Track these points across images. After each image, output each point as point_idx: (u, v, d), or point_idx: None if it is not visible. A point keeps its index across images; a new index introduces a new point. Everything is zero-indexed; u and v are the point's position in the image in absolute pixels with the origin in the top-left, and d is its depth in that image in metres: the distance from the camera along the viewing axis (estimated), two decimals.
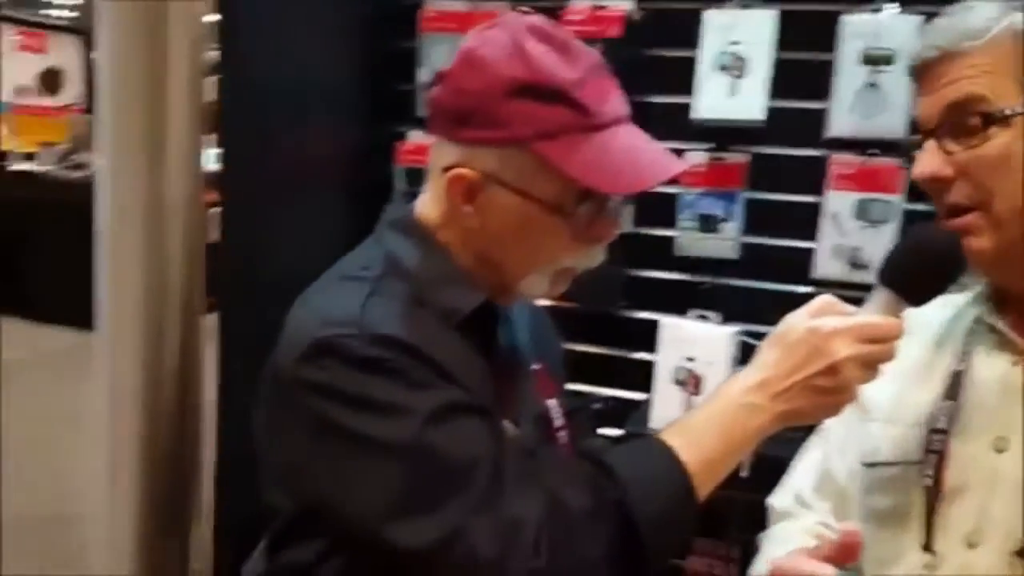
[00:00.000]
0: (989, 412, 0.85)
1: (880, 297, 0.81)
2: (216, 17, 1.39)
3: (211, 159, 1.53)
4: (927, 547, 0.84)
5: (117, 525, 0.82)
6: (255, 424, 0.91)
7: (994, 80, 0.79)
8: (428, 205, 0.92)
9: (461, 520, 0.76)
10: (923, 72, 0.84)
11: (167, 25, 0.85)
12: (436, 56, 1.79)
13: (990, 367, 0.87)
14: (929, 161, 0.83)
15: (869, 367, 0.80)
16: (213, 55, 1.45)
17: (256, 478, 0.92)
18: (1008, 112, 0.79)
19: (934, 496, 0.85)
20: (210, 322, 1.49)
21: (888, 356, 0.80)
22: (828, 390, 0.79)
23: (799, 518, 1.01)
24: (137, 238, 0.86)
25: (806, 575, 0.77)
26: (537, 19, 0.87)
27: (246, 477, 1.04)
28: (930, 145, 0.83)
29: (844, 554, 0.77)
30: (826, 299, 0.83)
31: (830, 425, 0.99)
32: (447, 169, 0.86)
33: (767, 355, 0.82)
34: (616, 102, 0.87)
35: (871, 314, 0.81)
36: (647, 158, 0.86)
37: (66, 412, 3.20)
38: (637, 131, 0.88)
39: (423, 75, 1.82)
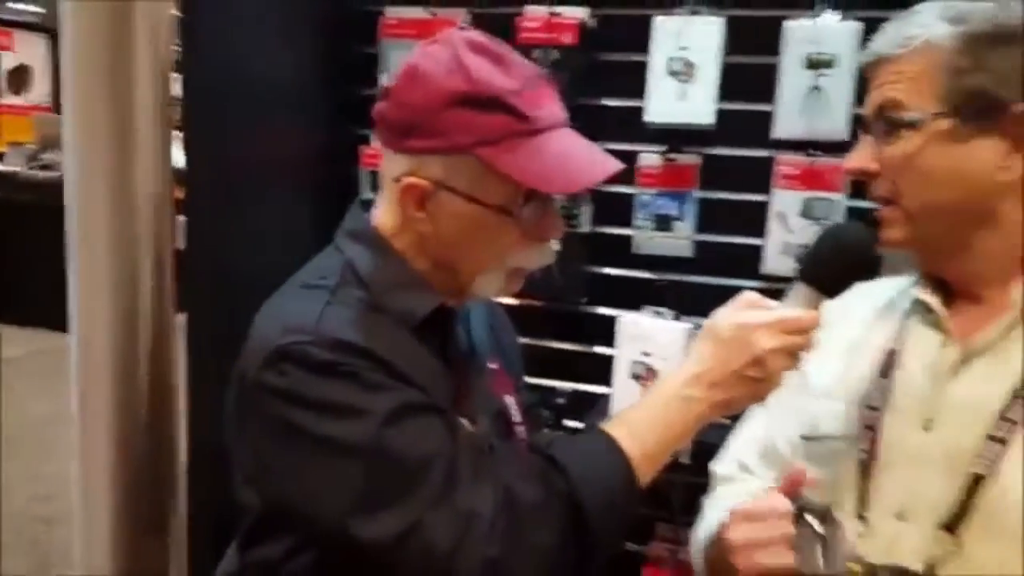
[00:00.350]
0: (918, 391, 0.89)
1: (799, 292, 0.87)
2: (178, 17, 1.42)
3: (178, 157, 1.56)
4: (861, 517, 0.88)
5: (94, 524, 0.85)
6: (226, 426, 0.95)
7: (912, 86, 0.84)
8: (383, 213, 0.96)
9: (419, 514, 0.81)
10: (866, 73, 0.90)
11: (132, 22, 0.86)
12: (396, 62, 1.83)
13: (922, 347, 0.91)
14: (858, 155, 0.89)
15: (791, 356, 0.85)
16: (177, 55, 1.48)
17: (225, 478, 0.95)
18: (916, 118, 0.83)
19: (867, 470, 0.89)
20: (179, 321, 1.52)
21: (807, 346, 0.86)
22: (756, 379, 0.85)
23: (743, 483, 1.06)
24: (106, 236, 0.88)
25: (765, 509, 0.84)
26: (476, 34, 0.92)
27: (217, 477, 1.07)
28: (864, 140, 0.89)
29: (789, 488, 0.84)
30: (750, 295, 0.88)
31: (774, 395, 1.05)
32: (398, 179, 0.90)
33: (700, 350, 0.87)
34: (553, 108, 0.91)
35: (791, 308, 0.87)
36: (584, 159, 0.91)
37: (46, 414, 3.21)
38: (574, 134, 0.93)
39: (384, 79, 1.86)
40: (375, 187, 1.89)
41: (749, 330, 0.84)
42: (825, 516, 0.83)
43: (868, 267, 0.90)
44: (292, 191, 1.76)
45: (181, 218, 1.46)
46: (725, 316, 0.87)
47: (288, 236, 1.70)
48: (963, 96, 0.82)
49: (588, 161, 0.91)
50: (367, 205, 1.00)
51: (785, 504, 0.84)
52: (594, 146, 0.93)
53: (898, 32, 0.86)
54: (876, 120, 0.87)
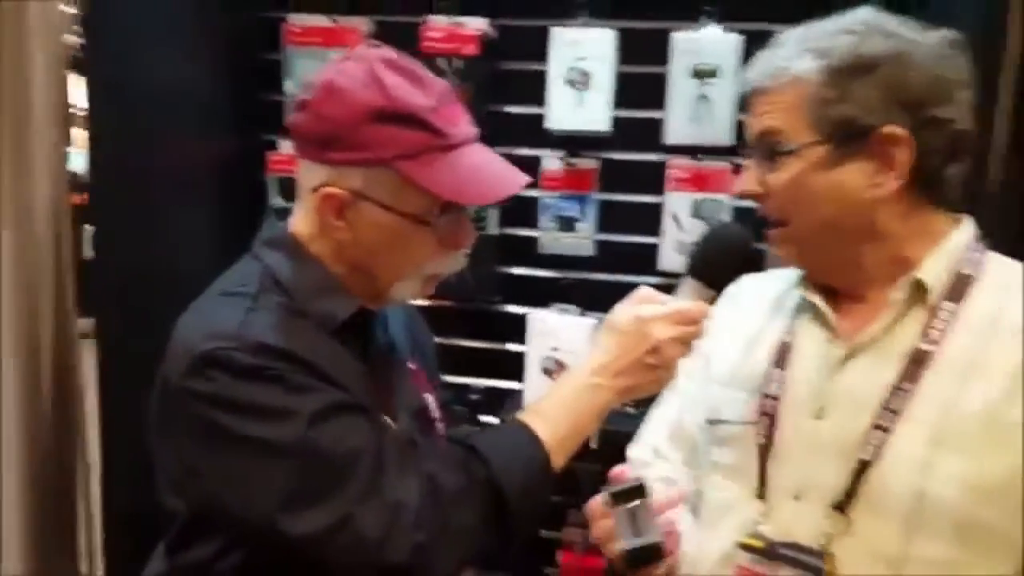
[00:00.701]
0: (810, 383, 0.94)
1: (688, 286, 0.96)
2: (82, 24, 1.40)
3: (81, 164, 1.53)
4: (760, 496, 0.94)
5: (3, 526, 0.85)
6: (149, 433, 0.95)
7: (787, 116, 0.89)
8: (300, 221, 0.99)
9: (347, 507, 0.84)
10: (747, 100, 0.95)
11: (25, 25, 0.86)
12: (301, 68, 1.85)
13: (811, 342, 0.96)
14: (744, 179, 0.95)
15: (685, 344, 0.94)
16: (80, 62, 1.46)
17: (142, 482, 0.96)
18: (794, 147, 0.89)
19: (765, 454, 0.94)
20: (86, 326, 1.49)
21: (698, 335, 0.95)
22: (655, 366, 0.93)
23: (653, 467, 1.11)
24: (6, 242, 0.87)
25: (588, 512, 0.93)
26: (389, 51, 0.97)
27: (134, 479, 1.07)
28: (748, 164, 0.95)
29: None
30: (646, 291, 0.97)
31: (683, 382, 1.11)
32: (316, 188, 0.94)
33: (603, 342, 0.95)
34: (465, 124, 0.96)
35: (682, 301, 0.95)
36: (497, 173, 0.97)
37: None
38: (486, 149, 0.98)
39: (290, 86, 1.86)
40: (283, 193, 1.90)
41: (646, 322, 0.93)
42: (631, 493, 0.91)
43: (748, 262, 1.00)
44: (199, 197, 1.75)
45: (89, 227, 1.45)
46: (624, 310, 0.95)
47: (196, 241, 1.70)
48: (832, 124, 0.87)
49: (500, 175, 0.97)
50: (283, 214, 1.03)
51: (596, 503, 0.93)
52: (504, 160, 0.99)
53: (768, 64, 0.91)
54: (758, 146, 0.93)
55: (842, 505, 0.87)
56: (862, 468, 0.86)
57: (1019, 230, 1.24)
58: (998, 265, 0.92)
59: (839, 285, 0.96)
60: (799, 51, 0.89)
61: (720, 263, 0.97)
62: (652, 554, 0.89)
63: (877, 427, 0.86)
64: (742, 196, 0.96)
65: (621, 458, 1.19)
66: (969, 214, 0.95)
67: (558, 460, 0.93)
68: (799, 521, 0.90)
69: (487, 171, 0.96)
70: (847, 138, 0.87)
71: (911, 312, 0.90)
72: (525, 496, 0.90)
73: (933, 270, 0.89)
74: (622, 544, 0.89)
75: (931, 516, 0.83)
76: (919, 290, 0.89)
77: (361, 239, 0.95)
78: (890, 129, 0.85)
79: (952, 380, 0.86)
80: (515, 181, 0.97)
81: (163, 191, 1.62)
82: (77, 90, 1.61)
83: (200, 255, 1.68)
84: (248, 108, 1.89)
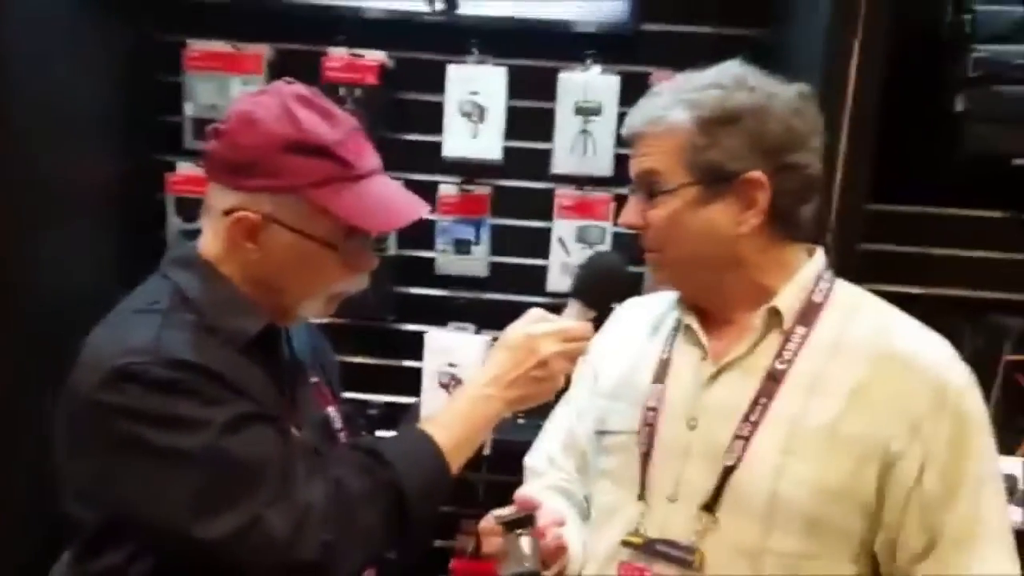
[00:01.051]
0: (684, 396, 1.02)
1: (573, 307, 1.07)
2: None
3: None
4: (641, 499, 1.02)
5: None
6: (55, 445, 0.97)
7: (666, 158, 0.98)
8: (210, 242, 1.04)
9: (257, 510, 0.90)
10: (629, 142, 1.03)
11: None
12: (202, 92, 1.88)
13: (686, 360, 1.05)
14: (628, 213, 1.03)
15: (570, 359, 1.05)
16: None
17: (39, 492, 0.96)
18: (671, 186, 0.97)
19: (645, 460, 1.02)
20: None
21: (582, 351, 1.06)
22: (542, 379, 1.03)
23: (546, 476, 1.20)
24: None
25: (481, 529, 1.01)
26: (301, 88, 1.03)
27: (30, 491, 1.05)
28: (631, 199, 1.03)
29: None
30: (536, 311, 1.07)
31: (574, 395, 1.21)
32: (228, 212, 0.99)
33: (496, 356, 1.05)
34: (371, 157, 1.04)
35: (567, 320, 1.06)
36: (400, 202, 1.06)
37: None
38: (389, 180, 1.07)
39: (189, 110, 1.89)
40: (180, 212, 1.92)
41: (535, 339, 1.03)
42: (520, 523, 1.00)
43: (624, 286, 1.13)
44: (96, 216, 1.75)
45: None
46: (516, 328, 1.05)
47: (94, 260, 1.70)
48: (702, 168, 0.96)
49: (403, 204, 1.05)
50: (192, 235, 1.07)
51: (488, 523, 1.03)
52: (406, 190, 1.08)
53: (647, 112, 1.00)
54: (639, 185, 1.01)
55: (709, 505, 0.96)
56: (727, 473, 0.96)
57: (854, 254, 1.42)
58: (843, 292, 1.03)
59: (708, 307, 1.05)
60: (674, 102, 0.98)
61: (599, 287, 1.08)
62: None
63: (739, 436, 0.96)
64: (626, 227, 1.04)
65: (513, 467, 1.29)
66: (815, 243, 1.07)
67: (454, 464, 1.01)
68: (674, 520, 0.99)
69: (390, 200, 1.04)
70: (715, 180, 0.96)
71: (769, 335, 0.99)
72: (425, 497, 0.98)
73: (787, 299, 0.99)
74: (506, 569, 0.99)
75: (784, 514, 0.93)
76: (775, 316, 0.99)
77: (271, 260, 1.00)
78: (752, 174, 0.95)
79: (801, 396, 0.95)
80: (415, 210, 1.06)
81: (58, 210, 1.61)
82: None
83: (99, 273, 1.68)
84: (148, 129, 1.90)
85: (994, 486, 0.93)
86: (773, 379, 0.97)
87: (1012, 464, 1.54)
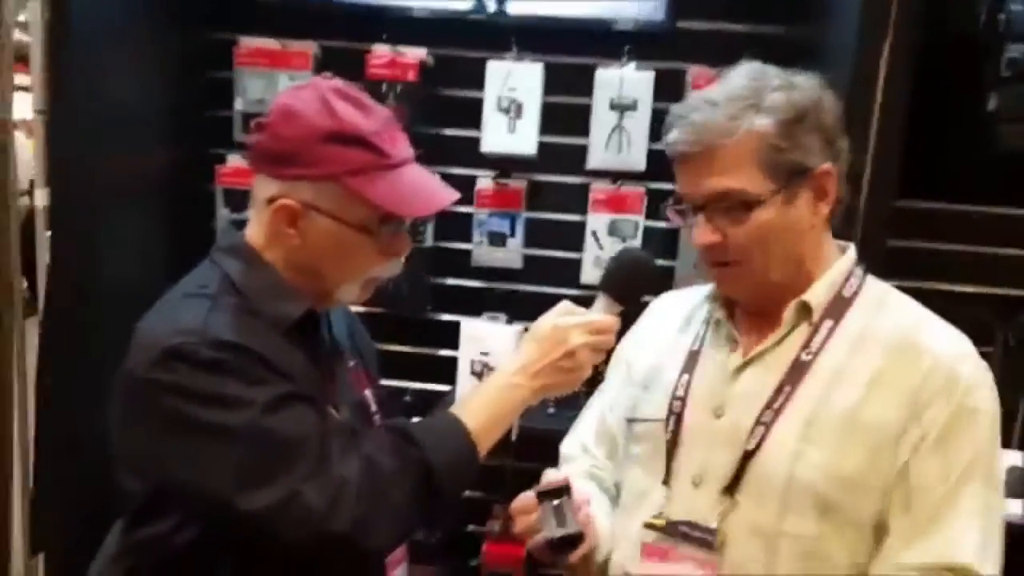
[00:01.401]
0: (712, 386, 1.06)
1: (601, 301, 1.10)
2: (44, 39, 1.48)
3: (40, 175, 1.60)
4: (666, 483, 1.07)
5: None
6: (110, 422, 1.04)
7: (745, 170, 0.97)
8: (254, 231, 1.10)
9: (296, 484, 0.95)
10: (685, 159, 1.01)
11: None
12: (251, 88, 1.96)
13: (716, 352, 1.08)
14: (703, 233, 1.01)
15: (596, 351, 1.08)
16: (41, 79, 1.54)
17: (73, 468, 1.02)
18: (762, 198, 0.98)
19: (672, 447, 1.06)
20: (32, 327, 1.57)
21: (609, 343, 1.09)
22: (569, 369, 1.07)
23: (576, 462, 1.24)
24: None
25: (514, 507, 1.05)
26: (339, 82, 1.09)
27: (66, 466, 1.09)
28: (701, 219, 1.01)
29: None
30: (566, 304, 1.11)
31: (608, 385, 1.25)
32: (271, 200, 1.05)
33: (525, 346, 1.09)
34: (404, 147, 1.09)
35: (596, 313, 1.10)
36: (432, 189, 1.10)
37: None
38: (423, 169, 1.11)
39: (239, 104, 1.98)
40: (229, 203, 2.00)
41: (564, 330, 1.07)
42: (556, 492, 1.03)
43: (651, 280, 1.15)
44: (151, 206, 1.84)
45: (46, 232, 1.53)
46: (545, 319, 1.09)
47: (148, 248, 1.79)
48: (786, 170, 0.97)
49: (435, 191, 1.10)
50: (240, 225, 1.14)
51: (523, 499, 1.07)
52: (438, 179, 1.13)
53: (713, 125, 0.97)
54: (715, 204, 0.99)
55: (730, 488, 1.00)
56: (747, 457, 0.99)
57: (882, 249, 1.43)
58: (872, 287, 1.05)
59: (759, 303, 1.06)
60: (741, 109, 0.97)
61: (627, 281, 1.12)
62: (574, 542, 1.03)
63: (760, 422, 0.99)
64: (701, 248, 1.04)
65: (541, 454, 1.33)
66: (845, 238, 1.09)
67: (483, 446, 1.05)
68: (697, 504, 1.03)
69: (422, 188, 1.09)
70: (795, 180, 0.98)
71: (798, 327, 1.03)
72: (453, 476, 1.03)
73: (818, 293, 1.02)
74: (547, 534, 1.03)
75: (799, 498, 0.96)
76: (805, 310, 1.03)
77: (311, 246, 1.06)
78: (825, 166, 0.99)
79: (823, 385, 0.99)
80: (446, 197, 1.11)
81: (117, 200, 1.70)
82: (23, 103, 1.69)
83: (152, 260, 1.77)
84: (200, 124, 1.99)
85: (983, 482, 0.94)
86: (798, 369, 1.00)
87: None
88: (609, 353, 1.12)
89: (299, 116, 1.03)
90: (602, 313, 1.09)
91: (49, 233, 1.53)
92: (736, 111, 0.97)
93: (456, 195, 1.12)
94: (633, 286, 1.13)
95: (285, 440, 0.97)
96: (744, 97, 0.98)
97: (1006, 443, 1.47)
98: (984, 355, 1.00)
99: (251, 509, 0.94)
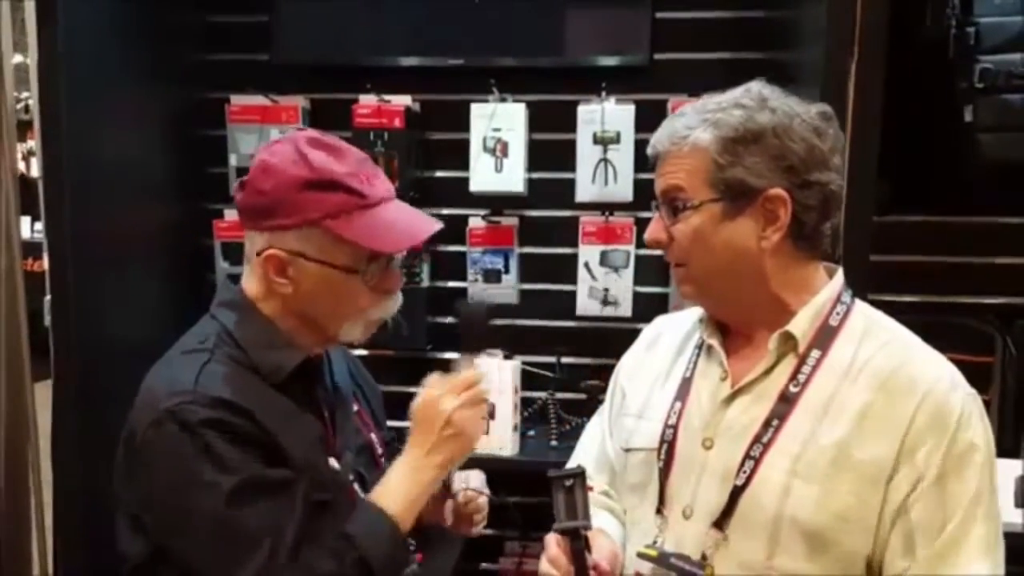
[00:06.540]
0: (702, 415, 1.05)
1: (461, 360, 1.15)
2: (39, 99, 1.53)
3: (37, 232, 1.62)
4: (659, 513, 1.06)
5: None
6: (114, 480, 1.08)
7: (689, 176, 1.01)
8: (249, 283, 1.13)
9: None
10: (653, 160, 1.07)
11: None
12: (244, 143, 2.02)
13: (707, 378, 1.07)
14: (653, 228, 1.06)
15: (474, 405, 1.13)
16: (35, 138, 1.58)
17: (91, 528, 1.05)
18: (695, 203, 1.00)
19: (665, 476, 1.06)
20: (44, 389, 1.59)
21: (483, 393, 1.14)
22: (455, 435, 1.11)
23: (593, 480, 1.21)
24: None
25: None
26: (312, 132, 1.13)
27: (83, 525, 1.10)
28: (656, 216, 1.06)
29: None
30: (431, 378, 1.15)
31: (604, 409, 1.26)
32: (260, 252, 1.08)
33: (412, 430, 1.13)
34: (382, 186, 1.12)
35: (459, 374, 1.14)
36: (411, 222, 1.13)
37: None
38: (403, 204, 1.14)
39: (234, 160, 2.03)
40: (227, 257, 2.04)
41: (433, 404, 1.11)
42: (574, 477, 1.02)
43: (484, 325, 1.24)
44: (150, 263, 1.87)
45: (47, 297, 1.56)
46: (417, 399, 1.13)
47: (148, 304, 1.82)
48: (726, 185, 0.99)
49: (415, 224, 1.13)
50: (236, 279, 1.17)
51: (551, 537, 1.05)
52: (419, 212, 1.16)
53: (671, 132, 1.03)
54: (664, 201, 1.04)
55: (719, 523, 1.00)
56: (736, 492, 0.99)
57: (864, 265, 1.44)
58: (859, 315, 1.04)
59: (730, 321, 1.08)
60: (698, 121, 1.01)
61: (468, 333, 1.20)
62: (580, 536, 1.01)
63: (749, 457, 0.99)
64: (650, 243, 1.08)
65: (547, 488, 1.33)
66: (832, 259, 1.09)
67: (405, 524, 1.09)
68: (687, 535, 1.03)
69: (403, 222, 1.12)
70: (738, 197, 0.99)
71: (785, 359, 1.02)
72: (390, 567, 1.07)
73: (801, 323, 1.01)
74: (559, 523, 1.01)
75: (788, 535, 0.96)
76: (789, 341, 1.01)
77: (303, 291, 1.09)
78: (774, 191, 0.98)
79: (811, 418, 0.98)
80: (427, 228, 1.14)
81: (116, 259, 1.73)
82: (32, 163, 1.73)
83: (153, 316, 1.80)
84: (196, 180, 2.03)
85: (986, 518, 0.94)
86: (786, 401, 1.00)
87: None
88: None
89: (275, 169, 1.07)
90: (464, 371, 1.15)
91: (48, 297, 1.56)
92: (694, 123, 1.01)
93: (438, 225, 1.15)
94: (476, 335, 1.23)
95: (245, 534, 1.00)
96: (709, 111, 1.01)
97: (1014, 453, 1.48)
98: (985, 365, 0.99)
99: None
